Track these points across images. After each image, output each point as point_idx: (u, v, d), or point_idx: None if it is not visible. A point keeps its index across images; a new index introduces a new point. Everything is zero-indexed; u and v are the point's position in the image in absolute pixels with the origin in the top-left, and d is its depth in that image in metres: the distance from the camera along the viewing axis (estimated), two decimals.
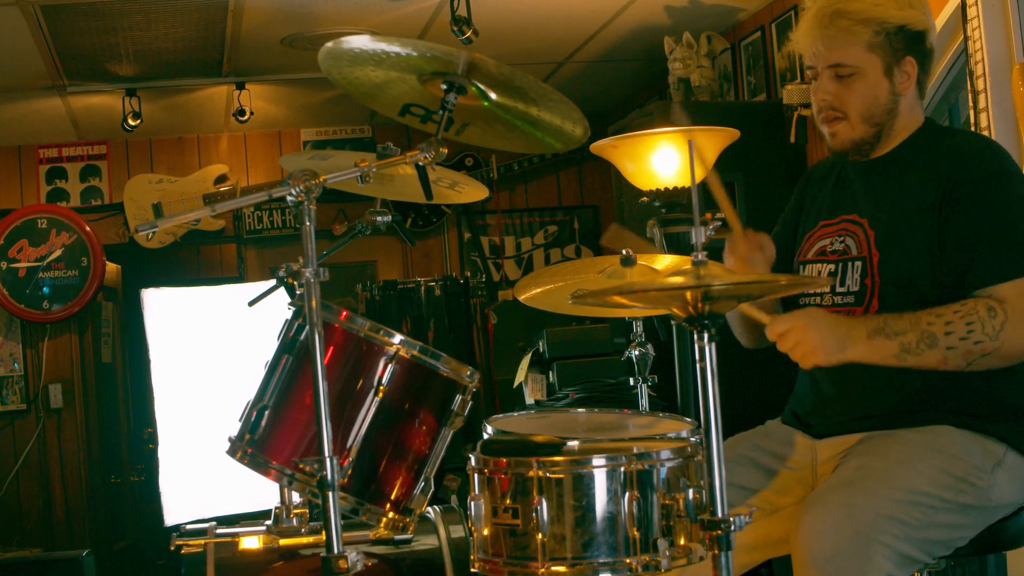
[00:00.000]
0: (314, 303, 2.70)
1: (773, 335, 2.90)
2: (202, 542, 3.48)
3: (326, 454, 2.63)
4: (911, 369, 2.96)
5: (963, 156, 3.05)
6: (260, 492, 4.10)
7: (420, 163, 2.94)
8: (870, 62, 3.10)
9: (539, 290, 3.76)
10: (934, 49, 3.19)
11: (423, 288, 7.71)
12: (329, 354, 2.95)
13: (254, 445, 2.97)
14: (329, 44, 2.99)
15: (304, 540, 3.39)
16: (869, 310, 3.08)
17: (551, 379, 6.26)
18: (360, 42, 2.99)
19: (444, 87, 2.94)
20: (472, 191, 3.68)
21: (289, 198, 2.72)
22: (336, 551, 2.62)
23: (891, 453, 2.91)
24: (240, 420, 3.04)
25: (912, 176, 3.08)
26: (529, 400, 6.45)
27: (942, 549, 2.88)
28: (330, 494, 2.63)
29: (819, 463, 3.14)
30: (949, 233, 2.97)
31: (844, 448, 3.06)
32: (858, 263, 3.12)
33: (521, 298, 3.78)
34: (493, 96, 3.10)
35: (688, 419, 3.00)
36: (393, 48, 2.98)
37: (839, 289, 3.17)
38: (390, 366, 2.95)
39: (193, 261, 8.84)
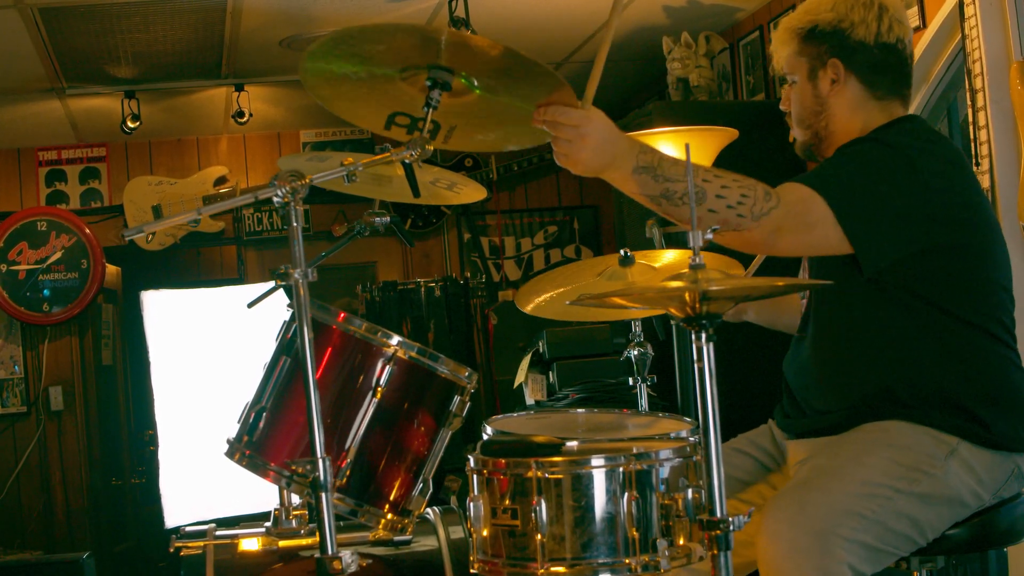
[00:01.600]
0: (303, 303, 2.69)
1: (552, 115, 2.80)
2: (201, 544, 3.48)
3: (318, 455, 2.63)
4: (864, 369, 3.02)
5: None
6: (261, 493, 4.10)
7: (406, 160, 2.92)
8: (799, 67, 3.19)
9: (541, 298, 3.77)
10: (882, 44, 3.13)
11: (423, 289, 7.72)
12: (327, 356, 2.96)
13: (252, 447, 2.97)
14: (312, 46, 2.93)
15: (303, 541, 3.39)
16: (811, 301, 3.19)
17: (551, 379, 6.27)
18: (337, 33, 2.93)
19: (428, 83, 2.91)
20: (470, 192, 3.68)
21: (275, 199, 2.71)
22: (330, 552, 2.62)
23: (841, 452, 2.94)
24: (238, 422, 3.04)
25: None
26: (529, 400, 6.46)
27: (909, 543, 2.87)
28: (323, 495, 2.62)
29: (790, 466, 3.19)
30: None
31: (805, 450, 3.09)
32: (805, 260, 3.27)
33: (526, 309, 3.79)
34: (477, 84, 3.00)
35: (687, 419, 3.01)
36: (368, 39, 2.90)
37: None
38: (388, 367, 2.95)
39: (193, 263, 8.84)
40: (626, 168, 2.80)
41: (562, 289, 3.77)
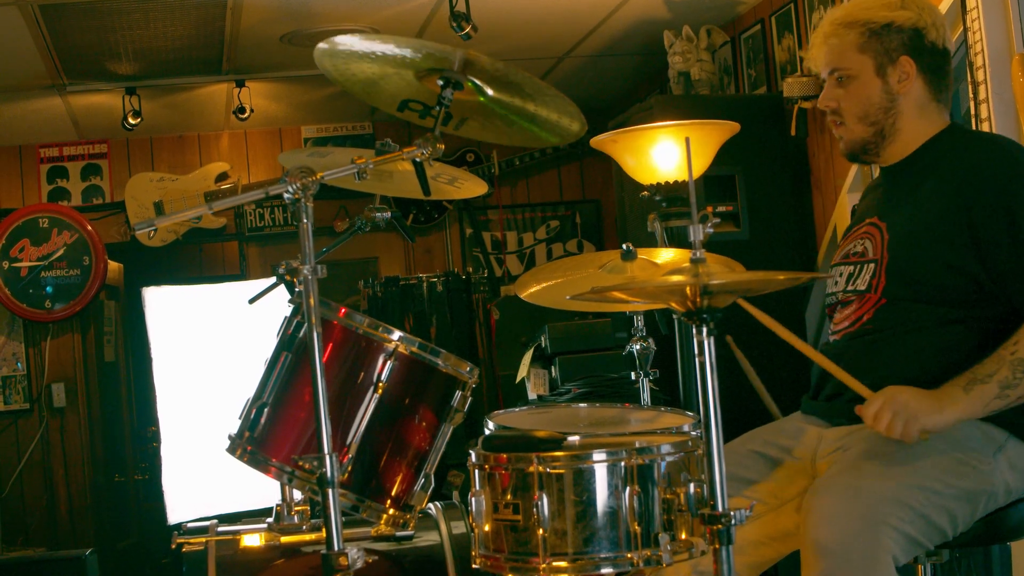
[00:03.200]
0: (312, 300, 2.69)
1: (868, 419, 2.88)
2: (203, 540, 3.48)
3: (325, 451, 2.63)
4: (909, 357, 3.01)
5: (979, 164, 3.07)
6: (263, 489, 4.11)
7: (417, 159, 2.93)
8: (862, 63, 3.18)
9: (539, 287, 3.77)
10: (943, 50, 3.20)
11: (425, 284, 7.71)
12: (328, 351, 2.96)
13: (254, 443, 2.97)
14: (323, 44, 2.99)
15: (305, 537, 3.39)
16: (877, 300, 3.11)
17: (553, 374, 6.26)
18: (354, 42, 2.99)
19: (440, 83, 2.94)
20: (471, 186, 3.68)
21: (286, 195, 2.72)
22: (336, 548, 2.62)
23: (893, 438, 2.91)
24: (240, 418, 3.04)
25: (930, 182, 3.12)
26: (532, 395, 6.46)
27: (941, 536, 2.87)
28: (330, 491, 2.63)
29: (820, 450, 3.15)
30: (980, 248, 2.99)
31: (845, 435, 3.07)
32: (871, 265, 3.16)
33: (523, 295, 3.79)
34: (490, 92, 3.09)
35: (689, 413, 3.00)
36: (388, 47, 2.98)
37: (848, 288, 3.22)
38: (389, 362, 2.95)
39: (195, 259, 8.83)
40: (958, 394, 2.86)
41: (562, 279, 3.77)
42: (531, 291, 3.79)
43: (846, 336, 3.20)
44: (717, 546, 2.46)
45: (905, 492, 2.80)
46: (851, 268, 3.23)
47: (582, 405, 3.35)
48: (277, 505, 3.18)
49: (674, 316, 4.39)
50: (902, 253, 3.10)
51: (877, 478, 2.81)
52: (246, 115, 7.65)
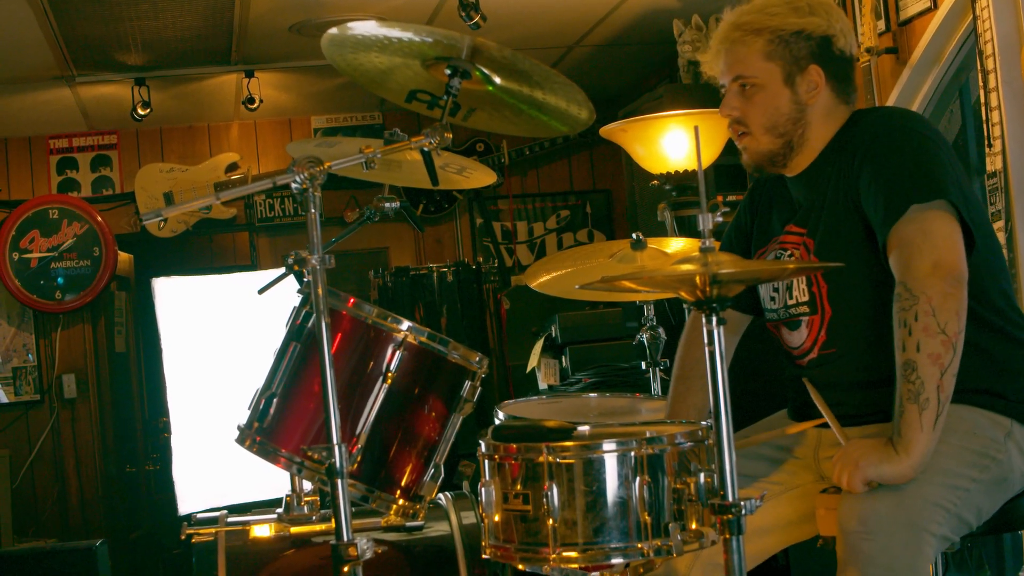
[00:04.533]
0: (320, 290, 2.69)
1: (844, 482, 2.79)
2: (213, 531, 3.48)
3: (334, 441, 2.63)
4: (877, 370, 2.93)
5: (862, 132, 3.00)
6: (273, 480, 4.11)
7: (425, 148, 2.93)
8: (769, 72, 3.04)
9: (549, 277, 3.77)
10: (850, 57, 3.09)
11: (435, 274, 7.71)
12: (337, 341, 2.95)
13: (263, 433, 2.96)
14: (332, 30, 2.99)
15: (315, 528, 3.39)
16: (824, 314, 3.03)
17: (564, 364, 6.26)
18: (363, 28, 2.98)
19: (448, 72, 2.93)
20: (480, 176, 3.67)
21: (294, 185, 2.71)
22: (346, 538, 2.62)
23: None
24: (249, 408, 3.04)
25: (833, 177, 3.02)
26: (542, 385, 6.46)
27: (968, 530, 2.85)
28: (339, 482, 2.63)
29: (821, 449, 3.11)
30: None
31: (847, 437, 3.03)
32: (804, 276, 3.07)
33: (533, 285, 3.79)
34: (497, 80, 3.09)
35: None
36: (396, 33, 2.98)
37: (789, 302, 3.12)
38: (398, 353, 2.94)
39: (205, 249, 8.84)
40: (896, 436, 2.74)
41: (572, 269, 3.77)
42: (541, 281, 3.79)
43: (811, 363, 3.10)
44: (728, 536, 2.45)
45: (940, 494, 2.76)
46: (785, 281, 3.13)
47: (592, 395, 3.35)
48: (287, 495, 3.17)
49: (684, 306, 4.39)
50: (828, 257, 2.99)
51: (917, 483, 2.74)
52: (256, 105, 7.65)
